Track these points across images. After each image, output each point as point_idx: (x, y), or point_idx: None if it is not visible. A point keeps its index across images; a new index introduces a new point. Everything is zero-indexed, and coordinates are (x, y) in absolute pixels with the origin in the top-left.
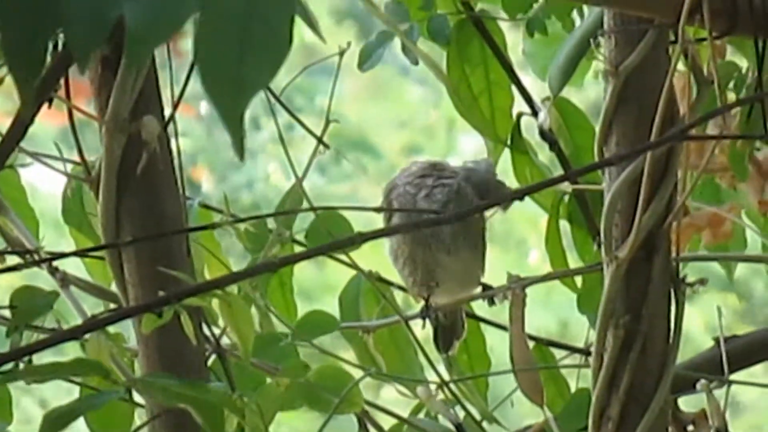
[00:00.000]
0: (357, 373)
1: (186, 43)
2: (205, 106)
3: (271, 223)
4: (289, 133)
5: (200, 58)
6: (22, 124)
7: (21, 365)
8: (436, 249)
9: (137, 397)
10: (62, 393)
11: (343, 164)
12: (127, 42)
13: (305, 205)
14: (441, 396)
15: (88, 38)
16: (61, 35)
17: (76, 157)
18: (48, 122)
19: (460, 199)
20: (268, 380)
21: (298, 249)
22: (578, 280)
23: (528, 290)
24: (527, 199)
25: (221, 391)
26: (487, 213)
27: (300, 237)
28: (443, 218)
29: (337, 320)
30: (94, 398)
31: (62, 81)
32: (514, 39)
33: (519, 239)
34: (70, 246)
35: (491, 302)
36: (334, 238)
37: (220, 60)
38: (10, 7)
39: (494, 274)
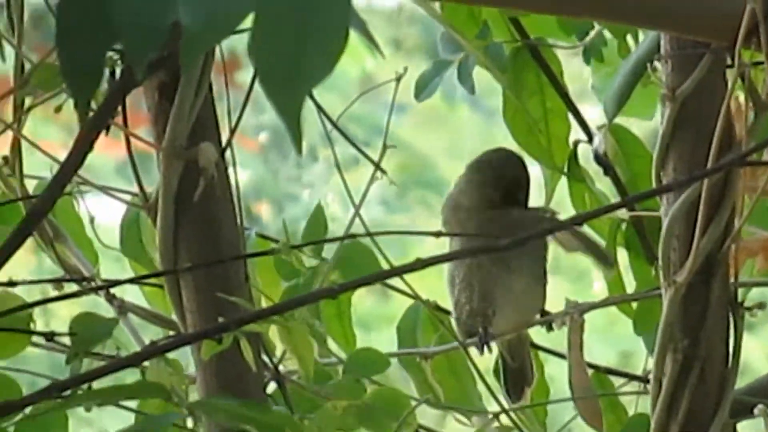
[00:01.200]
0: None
1: (242, 75)
2: (263, 138)
3: (327, 253)
4: (349, 167)
5: (257, 54)
6: (80, 151)
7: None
8: (497, 268)
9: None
10: (122, 424)
11: (404, 197)
12: (183, 42)
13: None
14: (496, 424)
15: (144, 44)
16: (119, 63)
17: (134, 189)
18: (107, 154)
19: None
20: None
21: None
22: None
23: (589, 322)
24: (586, 227)
25: (283, 414)
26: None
27: None
28: (504, 245)
29: (388, 359)
30: (154, 420)
31: (120, 110)
32: (570, 67)
33: (582, 269)
34: (128, 275)
35: (549, 328)
36: (363, 270)
37: (276, 55)
38: (65, 24)
39: (557, 303)
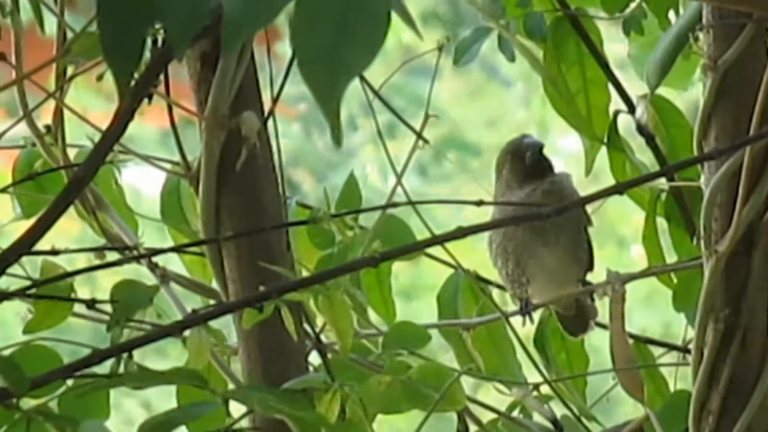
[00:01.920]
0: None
1: (283, 46)
2: (303, 107)
3: (366, 221)
4: (388, 136)
5: (298, 43)
6: (122, 120)
7: (122, 361)
8: (531, 240)
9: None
10: (165, 395)
11: (443, 165)
12: (223, 27)
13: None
14: (536, 394)
15: (185, 27)
16: (161, 32)
17: (176, 158)
18: (149, 124)
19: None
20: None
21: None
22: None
23: (629, 291)
24: (625, 196)
25: (316, 413)
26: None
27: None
28: (543, 212)
29: (428, 334)
30: (190, 409)
31: (162, 79)
32: (610, 37)
33: (618, 236)
34: (169, 244)
35: (591, 298)
36: (396, 243)
37: (317, 45)
38: (107, 0)
39: (598, 273)
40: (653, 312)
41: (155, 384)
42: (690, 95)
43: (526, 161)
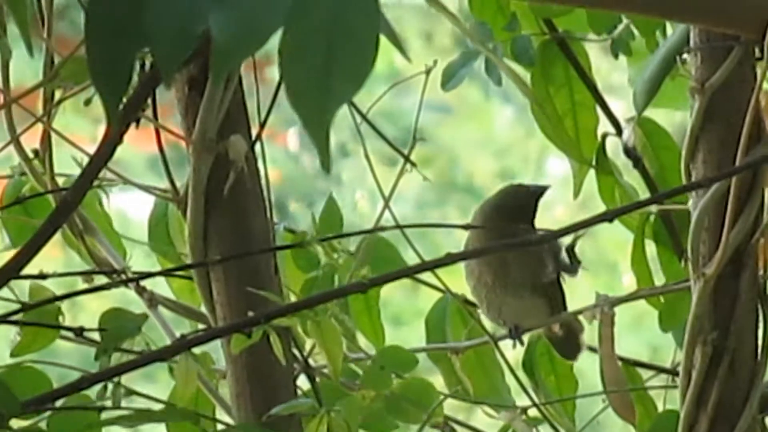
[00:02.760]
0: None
1: (272, 71)
2: (292, 136)
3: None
4: (384, 166)
5: (286, 69)
6: (110, 144)
7: (110, 386)
8: (501, 290)
9: None
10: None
11: (434, 194)
12: (212, 55)
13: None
14: (525, 417)
15: (174, 53)
16: (149, 56)
17: (164, 184)
18: (137, 148)
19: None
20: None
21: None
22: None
23: (618, 315)
24: (616, 222)
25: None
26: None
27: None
28: (527, 240)
29: (415, 358)
30: None
31: (150, 103)
32: (598, 61)
33: (610, 263)
34: (157, 269)
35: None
36: (386, 266)
37: (305, 72)
38: (95, 26)
39: (587, 297)
40: (641, 336)
41: (147, 422)
42: (677, 117)
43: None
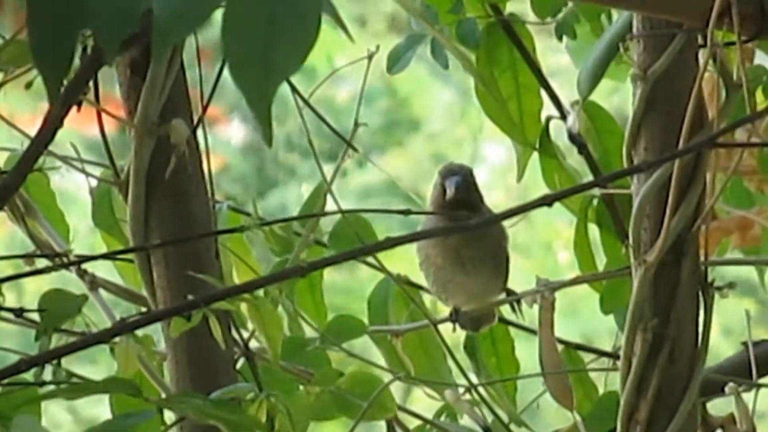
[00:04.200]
0: (387, 378)
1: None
2: (238, 131)
3: (298, 228)
4: (331, 158)
5: (227, 44)
6: (51, 127)
7: (50, 369)
8: (452, 268)
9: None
10: (92, 401)
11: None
12: (154, 33)
13: (333, 208)
14: (467, 397)
15: (116, 31)
16: (91, 39)
17: (105, 163)
18: (77, 129)
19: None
20: (299, 387)
21: (327, 253)
22: None
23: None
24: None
25: (253, 416)
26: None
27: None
28: (471, 224)
29: (366, 325)
30: (126, 419)
31: (92, 85)
32: (542, 44)
33: (543, 244)
34: (102, 250)
35: (514, 308)
36: (360, 242)
37: (247, 46)
38: (36, 6)
39: (520, 280)
40: (576, 322)
41: (89, 394)
42: (615, 101)
43: (446, 197)
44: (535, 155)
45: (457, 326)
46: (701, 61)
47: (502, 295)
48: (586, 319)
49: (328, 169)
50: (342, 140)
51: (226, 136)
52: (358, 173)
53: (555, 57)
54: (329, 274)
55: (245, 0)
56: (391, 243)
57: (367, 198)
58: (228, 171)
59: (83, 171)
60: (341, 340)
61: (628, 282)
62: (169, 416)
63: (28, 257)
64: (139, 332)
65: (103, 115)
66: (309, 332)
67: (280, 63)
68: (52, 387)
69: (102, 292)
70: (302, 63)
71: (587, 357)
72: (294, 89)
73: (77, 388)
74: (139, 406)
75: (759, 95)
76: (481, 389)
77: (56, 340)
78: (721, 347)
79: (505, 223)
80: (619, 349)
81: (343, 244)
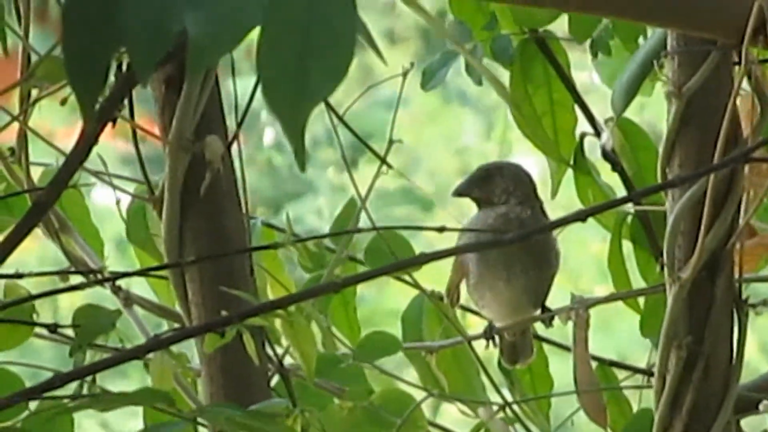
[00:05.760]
0: (420, 395)
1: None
2: (268, 135)
3: (331, 245)
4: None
5: (262, 66)
6: (86, 143)
7: (85, 385)
8: (491, 274)
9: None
10: (125, 415)
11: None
12: (189, 54)
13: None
14: (501, 415)
15: (150, 52)
16: (126, 56)
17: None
18: (112, 146)
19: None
20: (332, 402)
21: (360, 269)
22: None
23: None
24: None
25: (285, 426)
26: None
27: (360, 257)
28: (506, 239)
29: (399, 341)
30: (159, 429)
31: (127, 102)
32: (577, 59)
33: (576, 259)
34: (135, 267)
35: (549, 324)
36: (395, 259)
37: (282, 69)
38: (71, 24)
39: (553, 296)
40: (609, 339)
41: (122, 405)
42: (652, 117)
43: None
44: (569, 171)
45: (490, 342)
46: (736, 78)
47: (537, 312)
48: (619, 336)
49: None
50: (375, 155)
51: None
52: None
53: (586, 73)
54: (359, 290)
55: (280, 21)
56: (426, 258)
57: (385, 205)
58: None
59: (118, 187)
60: (375, 357)
61: (665, 300)
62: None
63: (63, 274)
64: (174, 348)
65: (138, 131)
66: (342, 348)
67: (316, 86)
68: (84, 407)
69: (136, 308)
70: (338, 85)
71: (621, 374)
72: (329, 107)
73: (110, 399)
74: (173, 420)
75: None
76: (515, 406)
77: (91, 356)
78: (757, 364)
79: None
80: (654, 366)
81: (378, 260)
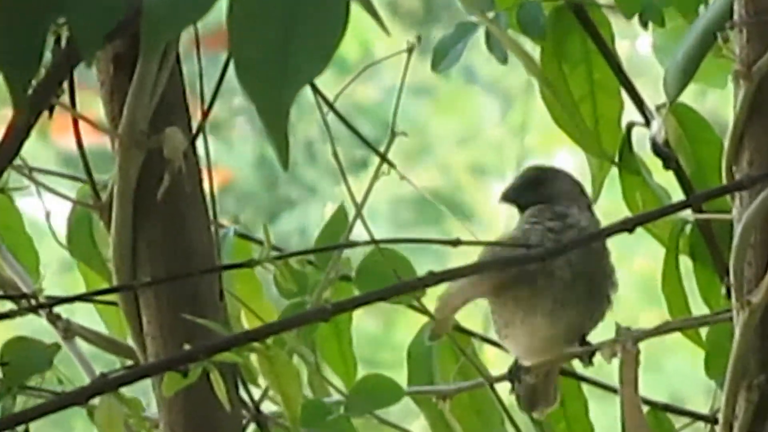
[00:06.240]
0: None
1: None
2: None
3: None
4: (358, 170)
5: (235, 44)
6: (16, 138)
7: None
8: (529, 304)
9: None
10: None
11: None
12: (143, 27)
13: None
14: None
15: (95, 24)
16: (66, 28)
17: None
18: (51, 142)
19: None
20: None
21: (356, 292)
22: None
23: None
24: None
25: None
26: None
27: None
28: (534, 255)
29: (402, 388)
30: None
31: (67, 86)
32: (621, 28)
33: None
34: (80, 289)
35: (588, 362)
36: (397, 279)
37: (259, 47)
38: None
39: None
40: (661, 378)
41: None
42: (715, 104)
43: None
44: (613, 170)
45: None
46: None
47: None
48: (673, 374)
49: (354, 183)
50: (375, 152)
51: (231, 144)
52: (383, 183)
53: (629, 43)
54: (358, 319)
55: None
56: (436, 279)
57: (398, 217)
58: (233, 187)
59: (56, 191)
60: (373, 406)
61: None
62: None
63: None
64: (125, 391)
65: (81, 123)
66: (334, 394)
67: (299, 67)
68: None
69: (78, 341)
70: (327, 64)
71: (678, 421)
72: (315, 89)
73: None
74: None
75: None
76: None
77: (22, 402)
78: None
79: None
80: (718, 411)
81: (373, 281)
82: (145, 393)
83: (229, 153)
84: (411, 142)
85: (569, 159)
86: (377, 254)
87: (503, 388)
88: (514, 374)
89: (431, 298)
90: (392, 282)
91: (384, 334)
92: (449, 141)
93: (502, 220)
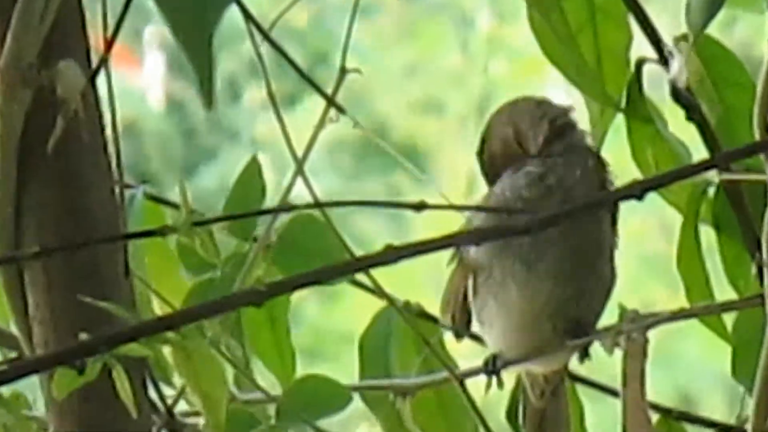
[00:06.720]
0: None
1: None
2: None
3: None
4: (287, 108)
5: None
6: None
7: None
8: (502, 273)
9: None
10: None
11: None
12: None
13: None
14: None
15: None
16: None
17: None
18: None
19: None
20: None
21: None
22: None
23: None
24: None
25: None
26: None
27: None
28: (524, 226)
29: (349, 393)
30: None
31: None
32: None
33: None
34: None
35: (584, 355)
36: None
37: None
38: None
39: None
40: (669, 374)
41: None
42: (745, 35)
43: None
44: (619, 118)
45: (494, 383)
46: None
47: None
48: (683, 370)
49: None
50: (321, 95)
51: (139, 84)
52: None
53: None
54: (297, 303)
55: None
56: (396, 255)
57: (335, 166)
58: (142, 136)
59: None
60: (312, 415)
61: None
62: None
63: None
64: (5, 390)
65: None
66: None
67: None
68: None
69: None
70: None
71: (693, 430)
72: (246, 13)
73: None
74: None
75: None
76: None
77: None
78: None
79: None
80: (746, 421)
81: (291, 258)
82: (32, 390)
83: (139, 96)
84: (353, 75)
85: (557, 100)
86: (305, 219)
87: (477, 386)
88: (490, 367)
89: (385, 274)
90: (324, 256)
91: (325, 320)
92: (397, 73)
93: (463, 170)
